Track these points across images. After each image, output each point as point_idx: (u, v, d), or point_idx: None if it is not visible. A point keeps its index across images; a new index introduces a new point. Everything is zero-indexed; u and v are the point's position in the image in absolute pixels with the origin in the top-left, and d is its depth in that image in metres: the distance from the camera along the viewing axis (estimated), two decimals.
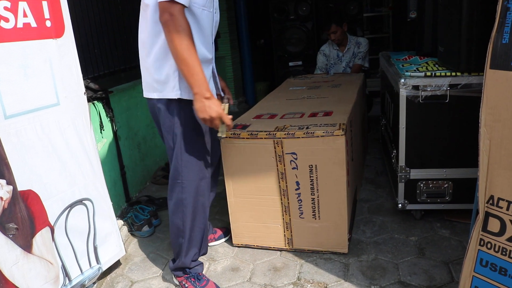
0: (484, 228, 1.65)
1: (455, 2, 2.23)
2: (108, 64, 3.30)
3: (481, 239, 1.66)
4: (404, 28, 3.86)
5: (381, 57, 3.62)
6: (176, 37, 1.72)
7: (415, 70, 2.47)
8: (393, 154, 2.75)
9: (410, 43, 3.55)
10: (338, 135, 2.15)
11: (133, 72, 3.82)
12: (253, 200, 2.37)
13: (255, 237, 2.47)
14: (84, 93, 2.18)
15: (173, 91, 1.90)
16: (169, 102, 1.94)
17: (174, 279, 2.23)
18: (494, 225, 1.62)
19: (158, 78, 1.92)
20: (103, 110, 2.96)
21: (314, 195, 2.27)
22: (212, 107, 1.81)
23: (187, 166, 2.02)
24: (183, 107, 1.93)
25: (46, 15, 1.94)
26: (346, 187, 2.25)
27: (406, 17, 3.68)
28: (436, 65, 2.56)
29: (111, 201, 2.31)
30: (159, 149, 3.93)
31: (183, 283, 2.16)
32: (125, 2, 3.56)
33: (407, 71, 2.47)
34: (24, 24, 1.84)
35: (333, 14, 4.41)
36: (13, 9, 1.78)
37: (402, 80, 2.38)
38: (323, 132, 2.17)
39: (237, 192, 2.38)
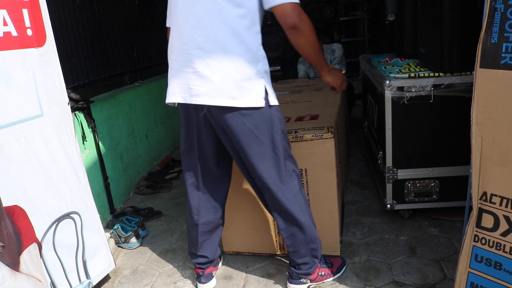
0: (478, 224, 1.67)
1: (435, 3, 2.27)
2: (87, 74, 3.23)
3: (475, 235, 1.68)
4: (381, 30, 3.90)
5: (361, 59, 3.65)
6: (312, 34, 1.76)
7: (398, 72, 2.50)
8: (379, 155, 2.77)
9: (388, 45, 3.59)
10: (327, 138, 2.16)
11: (112, 82, 3.76)
12: (244, 206, 2.35)
13: (246, 243, 2.44)
14: (68, 103, 2.12)
15: (261, 98, 1.77)
16: (256, 110, 1.78)
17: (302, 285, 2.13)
18: (487, 221, 1.64)
19: (241, 85, 1.75)
20: (85, 120, 2.90)
21: None
22: (339, 73, 2.03)
23: (292, 160, 1.96)
24: (275, 113, 1.85)
25: (27, 23, 1.89)
26: (336, 190, 2.25)
27: (383, 20, 3.72)
28: (418, 66, 2.60)
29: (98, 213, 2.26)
30: (141, 158, 3.88)
31: (320, 273, 2.13)
32: (103, 10, 3.50)
33: (390, 73, 2.49)
34: (4, 33, 1.78)
35: None
36: None
37: (387, 82, 2.40)
38: (312, 136, 2.17)
39: (230, 199, 2.36)
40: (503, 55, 1.46)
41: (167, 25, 1.98)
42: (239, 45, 1.73)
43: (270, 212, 2.08)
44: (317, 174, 2.23)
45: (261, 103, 1.76)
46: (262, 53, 1.81)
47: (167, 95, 1.90)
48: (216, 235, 2.21)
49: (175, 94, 1.86)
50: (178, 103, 1.91)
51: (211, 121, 1.88)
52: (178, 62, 1.84)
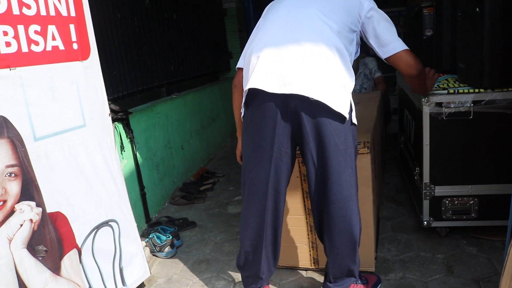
0: None
1: (476, 19, 2.24)
2: (126, 86, 3.33)
3: None
4: (419, 45, 3.86)
5: (398, 75, 3.62)
6: (423, 80, 2.08)
7: (436, 87, 2.47)
8: (416, 171, 2.73)
9: (426, 60, 3.55)
10: (364, 153, 2.14)
11: (150, 94, 3.86)
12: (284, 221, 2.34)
13: (281, 256, 2.43)
14: (109, 114, 2.19)
15: (347, 112, 1.75)
16: (343, 119, 1.76)
17: None
18: None
19: (338, 90, 1.74)
20: (123, 131, 2.98)
21: None
22: (430, 72, 2.25)
23: (355, 184, 1.91)
24: (355, 131, 1.86)
25: (73, 38, 1.97)
26: (372, 205, 2.23)
27: (420, 35, 3.68)
28: (457, 82, 2.56)
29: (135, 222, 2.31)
30: (176, 169, 3.94)
31: None
32: (142, 25, 3.61)
33: None
34: (52, 47, 1.86)
35: None
36: (43, 33, 1.80)
37: (425, 97, 2.37)
38: None
39: None
40: None
41: (239, 66, 1.99)
42: (341, 56, 1.76)
43: (324, 232, 1.94)
44: None
45: (347, 114, 1.75)
46: (353, 75, 1.83)
47: (250, 81, 1.77)
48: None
49: (263, 82, 1.74)
50: (255, 102, 1.80)
51: (295, 121, 1.77)
52: (271, 56, 1.77)
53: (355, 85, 4.35)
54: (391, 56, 1.88)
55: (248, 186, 1.92)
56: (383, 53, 1.89)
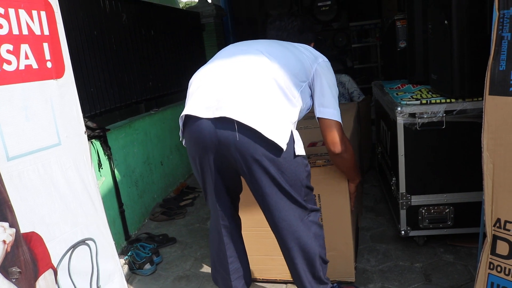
0: (493, 252, 1.65)
1: (445, 31, 2.30)
2: (104, 102, 3.31)
3: (490, 263, 1.66)
4: (393, 57, 3.94)
5: (374, 86, 3.68)
6: (351, 160, 2.00)
7: (410, 98, 2.52)
8: (393, 181, 2.77)
9: (401, 71, 3.62)
10: None
11: (128, 110, 3.85)
12: (259, 232, 2.34)
13: (260, 270, 2.44)
14: (85, 132, 2.18)
15: (285, 143, 1.69)
16: (279, 150, 1.69)
17: None
18: (502, 248, 1.63)
19: (272, 119, 1.70)
20: (101, 148, 2.96)
21: None
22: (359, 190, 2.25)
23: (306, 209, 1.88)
24: (301, 161, 1.81)
25: (47, 56, 1.96)
26: (350, 215, 2.25)
27: (395, 46, 3.76)
28: (430, 92, 2.61)
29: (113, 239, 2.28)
30: (156, 185, 3.92)
31: None
32: (119, 42, 3.61)
33: (402, 100, 2.51)
34: (25, 66, 1.85)
35: None
36: (15, 52, 1.79)
37: (399, 109, 2.42)
38: (325, 162, 2.19)
39: (243, 226, 2.36)
40: (511, 82, 1.48)
41: None
42: (279, 88, 1.74)
43: (282, 251, 1.98)
44: (330, 199, 2.24)
45: (284, 145, 1.67)
46: (296, 107, 1.79)
47: (186, 108, 1.77)
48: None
49: (197, 107, 1.73)
50: (190, 127, 1.77)
51: (229, 147, 1.70)
52: (209, 81, 1.79)
53: None
54: (325, 119, 1.87)
55: (206, 199, 1.97)
56: (320, 113, 1.87)
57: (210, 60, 1.96)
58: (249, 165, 1.70)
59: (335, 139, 1.87)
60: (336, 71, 4.28)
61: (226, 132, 1.67)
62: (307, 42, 2.10)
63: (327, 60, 1.97)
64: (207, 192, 1.92)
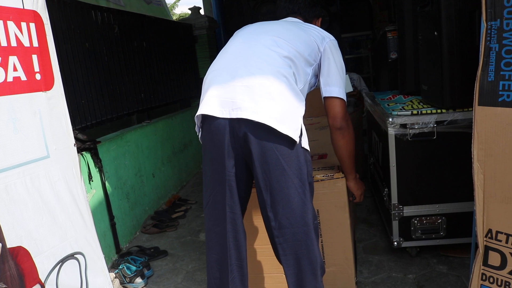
0: (485, 262, 1.64)
1: (435, 42, 2.31)
2: (95, 114, 3.29)
3: (482, 274, 1.65)
4: (385, 68, 3.96)
5: (365, 97, 3.69)
6: (351, 141, 1.99)
7: (401, 109, 2.52)
8: (385, 192, 2.76)
9: (392, 82, 3.63)
10: (339, 178, 2.16)
11: (120, 122, 3.83)
12: (257, 250, 2.32)
13: (260, 286, 2.39)
14: (74, 145, 2.15)
15: (297, 136, 1.74)
16: (292, 143, 1.74)
17: None
18: (494, 259, 1.62)
19: (286, 114, 1.74)
20: (92, 160, 2.93)
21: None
22: (363, 185, 2.20)
23: (311, 210, 1.86)
24: (307, 155, 1.83)
25: (36, 68, 1.95)
26: (349, 229, 2.23)
27: (386, 57, 3.78)
28: (421, 103, 2.62)
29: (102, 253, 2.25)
30: (147, 197, 3.89)
31: None
32: (111, 53, 3.60)
33: (393, 110, 2.51)
34: (14, 78, 1.84)
35: None
36: (4, 64, 1.78)
37: (390, 119, 2.42)
38: (323, 176, 2.17)
39: None
40: (500, 92, 1.48)
41: None
42: (287, 82, 1.77)
43: (281, 260, 1.90)
44: (329, 214, 2.21)
45: (297, 138, 1.72)
46: (303, 101, 1.83)
47: (201, 107, 1.80)
48: None
49: (212, 108, 1.76)
50: (206, 126, 1.82)
51: (244, 145, 1.75)
52: (224, 75, 1.81)
53: None
54: (329, 97, 1.93)
55: (208, 208, 1.90)
56: (326, 92, 1.93)
57: (225, 48, 1.98)
58: (263, 158, 1.73)
59: (337, 114, 1.92)
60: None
61: (243, 130, 1.72)
62: (316, 17, 2.17)
63: (333, 38, 2.00)
64: (216, 194, 1.86)
